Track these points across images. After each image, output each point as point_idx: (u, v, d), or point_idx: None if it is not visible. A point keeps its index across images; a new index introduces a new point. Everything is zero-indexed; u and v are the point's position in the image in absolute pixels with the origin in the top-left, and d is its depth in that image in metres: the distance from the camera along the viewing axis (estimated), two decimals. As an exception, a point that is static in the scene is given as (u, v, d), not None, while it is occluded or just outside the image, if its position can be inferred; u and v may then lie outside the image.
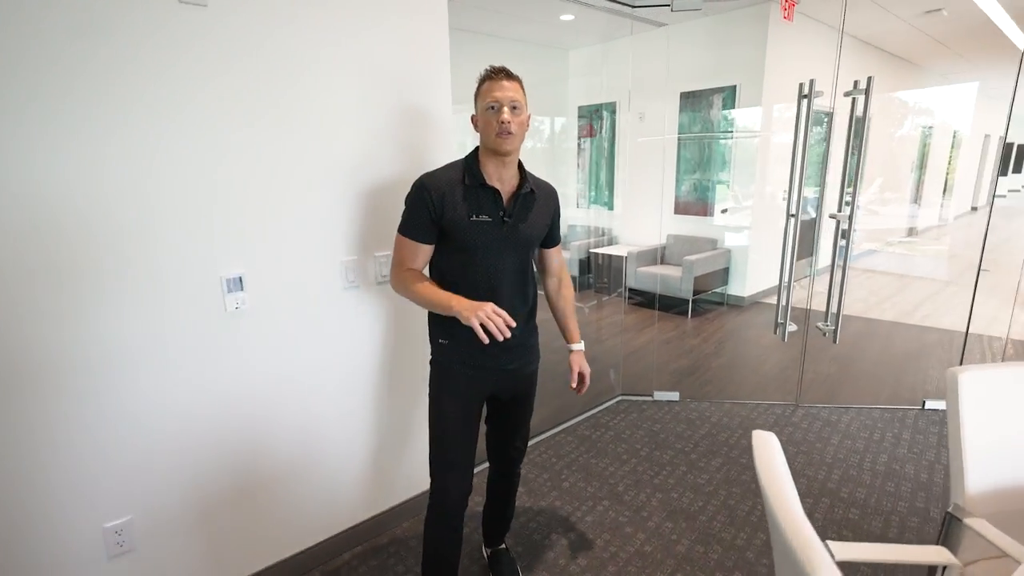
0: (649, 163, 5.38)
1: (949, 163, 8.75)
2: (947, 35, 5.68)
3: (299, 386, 1.60)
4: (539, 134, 5.93)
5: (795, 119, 2.62)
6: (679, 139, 5.08)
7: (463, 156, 1.35)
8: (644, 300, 5.02)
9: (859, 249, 6.40)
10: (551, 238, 1.48)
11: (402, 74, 1.63)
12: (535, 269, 1.49)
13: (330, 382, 1.66)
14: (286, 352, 1.54)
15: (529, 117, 1.30)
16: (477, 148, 1.33)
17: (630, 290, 5.01)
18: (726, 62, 4.71)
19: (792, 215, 2.72)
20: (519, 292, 1.38)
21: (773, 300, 5.22)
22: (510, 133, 1.23)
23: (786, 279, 2.78)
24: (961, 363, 3.04)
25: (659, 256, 5.09)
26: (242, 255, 1.41)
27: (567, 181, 6.06)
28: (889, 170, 6.82)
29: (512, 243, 1.32)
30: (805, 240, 5.72)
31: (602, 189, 5.80)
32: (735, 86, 4.64)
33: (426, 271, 1.38)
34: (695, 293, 4.52)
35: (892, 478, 2.22)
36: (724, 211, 4.98)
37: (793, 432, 2.61)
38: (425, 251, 1.32)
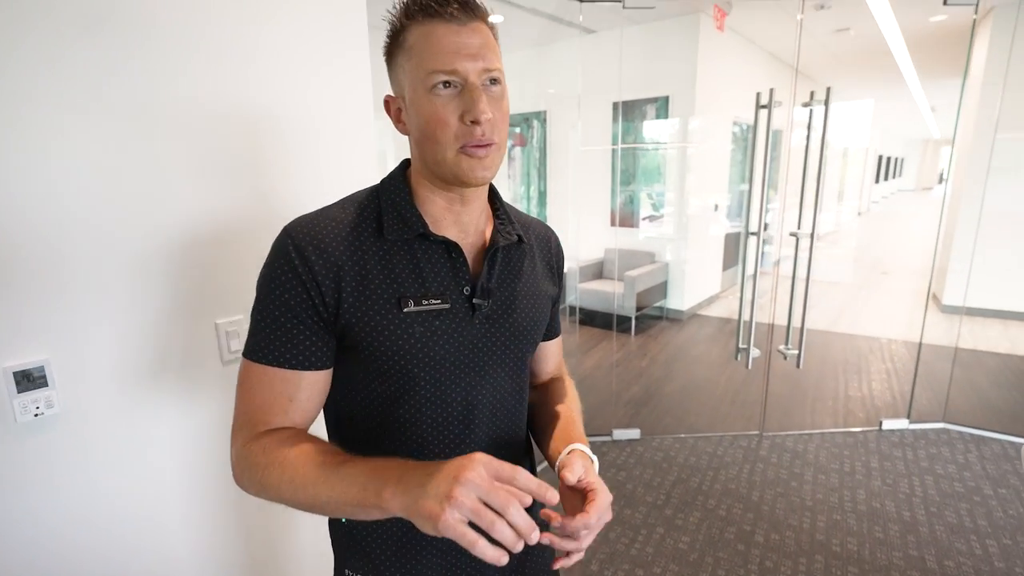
0: (584, 174, 5.17)
1: (842, 173, 9.50)
2: (849, 55, 6.01)
3: (148, 519, 1.08)
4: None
5: (754, 130, 2.44)
6: (614, 150, 4.92)
7: (372, 185, 0.69)
8: (585, 317, 4.77)
9: (775, 256, 6.65)
10: (550, 323, 0.79)
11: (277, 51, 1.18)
12: None
13: (190, 503, 1.16)
14: (125, 469, 1.03)
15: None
16: (403, 167, 0.68)
17: (571, 308, 4.75)
18: (658, 73, 4.61)
19: (753, 233, 2.54)
20: (515, 447, 0.74)
21: (710, 312, 5.19)
22: (491, 143, 0.59)
23: (748, 298, 2.60)
24: (916, 375, 2.98)
25: (600, 271, 4.88)
26: (45, 330, 0.89)
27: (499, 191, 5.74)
28: (797, 180, 7.19)
29: (495, 348, 0.67)
30: (730, 251, 5.80)
31: (535, 200, 5.52)
32: (667, 97, 4.54)
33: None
34: (637, 309, 4.34)
35: (877, 520, 2.05)
36: (647, 218, 4.87)
37: (765, 469, 2.41)
38: (310, 387, 0.62)
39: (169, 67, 0.97)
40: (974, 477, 2.32)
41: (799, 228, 2.50)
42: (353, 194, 0.68)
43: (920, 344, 2.90)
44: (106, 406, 0.99)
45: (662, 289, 4.77)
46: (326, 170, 1.25)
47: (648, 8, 2.27)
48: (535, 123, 5.40)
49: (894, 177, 18.66)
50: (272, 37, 1.11)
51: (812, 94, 2.38)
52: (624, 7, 2.28)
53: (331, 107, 1.24)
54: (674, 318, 4.85)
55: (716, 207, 5.19)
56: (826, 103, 2.30)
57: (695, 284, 5.02)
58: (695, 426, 2.82)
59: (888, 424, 2.79)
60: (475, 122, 0.57)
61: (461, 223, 0.66)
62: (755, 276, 2.62)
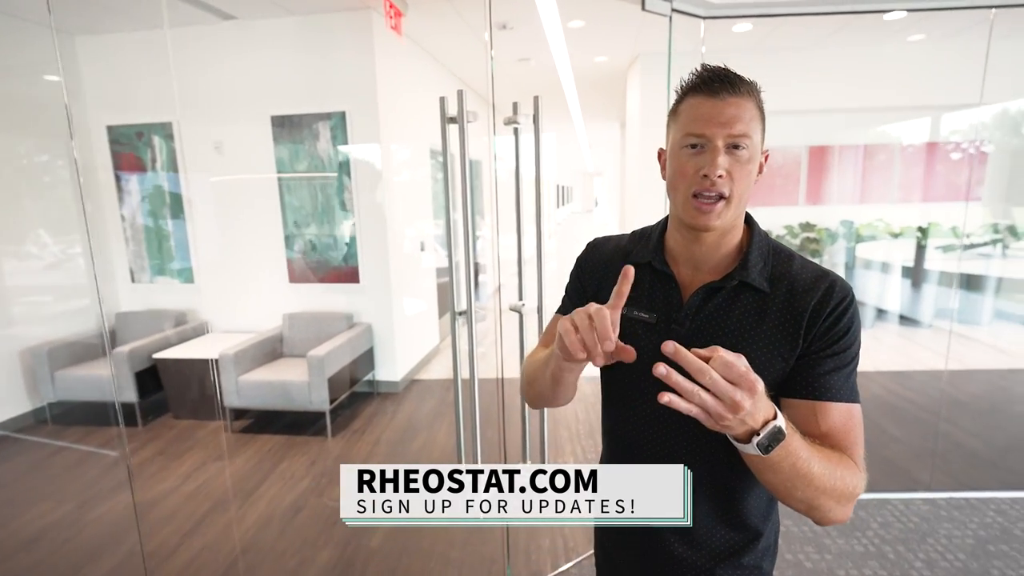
0: (242, 212, 3.71)
1: (533, 200, 10.30)
2: (530, 87, 6.12)
3: None
4: (48, 168, 3.53)
5: (443, 148, 1.57)
6: (280, 179, 3.62)
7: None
8: (257, 421, 3.31)
9: (493, 284, 6.34)
10: (800, 381, 0.71)
11: None
12: None
13: None
14: None
15: (767, 157, 0.74)
16: None
17: (235, 411, 3.21)
18: (329, 82, 3.54)
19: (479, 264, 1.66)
20: (710, 480, 0.77)
21: (431, 373, 4.32)
22: (721, 198, 0.70)
23: (465, 362, 1.69)
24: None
25: (280, 349, 3.47)
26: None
27: (107, 239, 3.76)
28: (502, 206, 7.17)
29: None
30: (445, 291, 5.15)
31: (169, 253, 3.76)
32: (343, 113, 3.50)
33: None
34: (333, 399, 3.13)
35: None
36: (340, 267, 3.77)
37: None
38: None
39: None
40: None
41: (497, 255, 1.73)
42: (650, 224, 0.86)
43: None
44: None
45: (367, 359, 3.67)
46: None
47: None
48: (157, 140, 3.68)
49: (567, 203, 22.37)
50: None
51: (516, 105, 1.64)
52: None
53: None
54: (387, 392, 3.81)
55: (423, 247, 4.41)
56: (535, 119, 1.58)
57: (409, 342, 4.09)
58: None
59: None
60: (704, 177, 0.69)
61: (695, 260, 0.77)
62: (470, 320, 1.74)
